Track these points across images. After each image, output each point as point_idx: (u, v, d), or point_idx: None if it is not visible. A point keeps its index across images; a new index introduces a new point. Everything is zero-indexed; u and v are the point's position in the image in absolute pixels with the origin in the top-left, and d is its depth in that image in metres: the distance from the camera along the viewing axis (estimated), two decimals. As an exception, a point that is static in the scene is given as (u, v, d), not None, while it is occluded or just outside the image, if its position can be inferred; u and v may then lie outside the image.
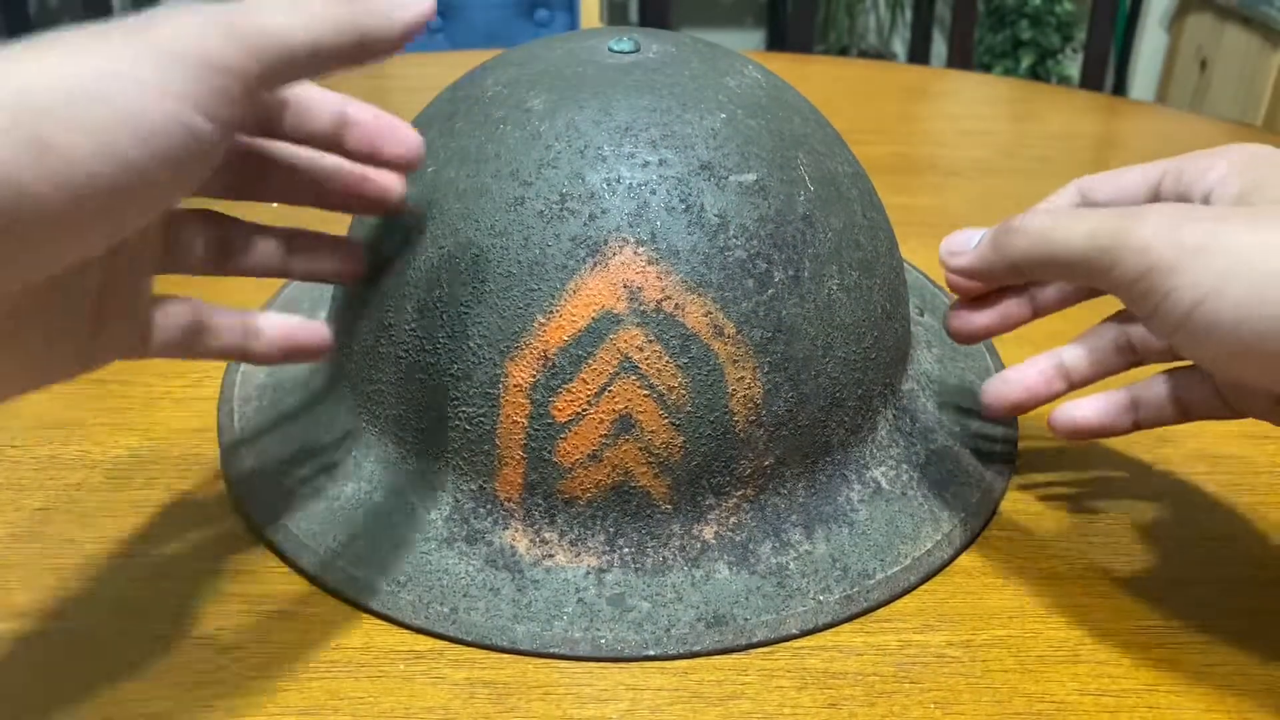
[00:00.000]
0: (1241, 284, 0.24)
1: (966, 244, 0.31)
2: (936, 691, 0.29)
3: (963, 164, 0.71)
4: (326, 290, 0.44)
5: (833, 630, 0.31)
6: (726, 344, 0.31)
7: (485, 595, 0.31)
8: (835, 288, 0.33)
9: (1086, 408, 0.32)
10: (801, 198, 0.33)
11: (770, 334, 0.31)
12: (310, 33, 0.22)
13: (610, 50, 0.36)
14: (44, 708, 0.28)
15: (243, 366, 0.41)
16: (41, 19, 2.23)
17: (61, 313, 0.23)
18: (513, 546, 0.32)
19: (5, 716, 0.27)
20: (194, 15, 0.20)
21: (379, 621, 0.31)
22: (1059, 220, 0.28)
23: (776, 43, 2.37)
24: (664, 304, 0.30)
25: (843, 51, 2.39)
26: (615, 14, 2.30)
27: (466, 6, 1.36)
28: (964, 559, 0.33)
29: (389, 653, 0.30)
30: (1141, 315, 0.26)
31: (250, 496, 0.34)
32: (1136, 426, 0.32)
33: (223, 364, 0.42)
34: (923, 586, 0.32)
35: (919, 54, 1.48)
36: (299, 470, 0.35)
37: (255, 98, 0.22)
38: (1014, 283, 0.32)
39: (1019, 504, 0.36)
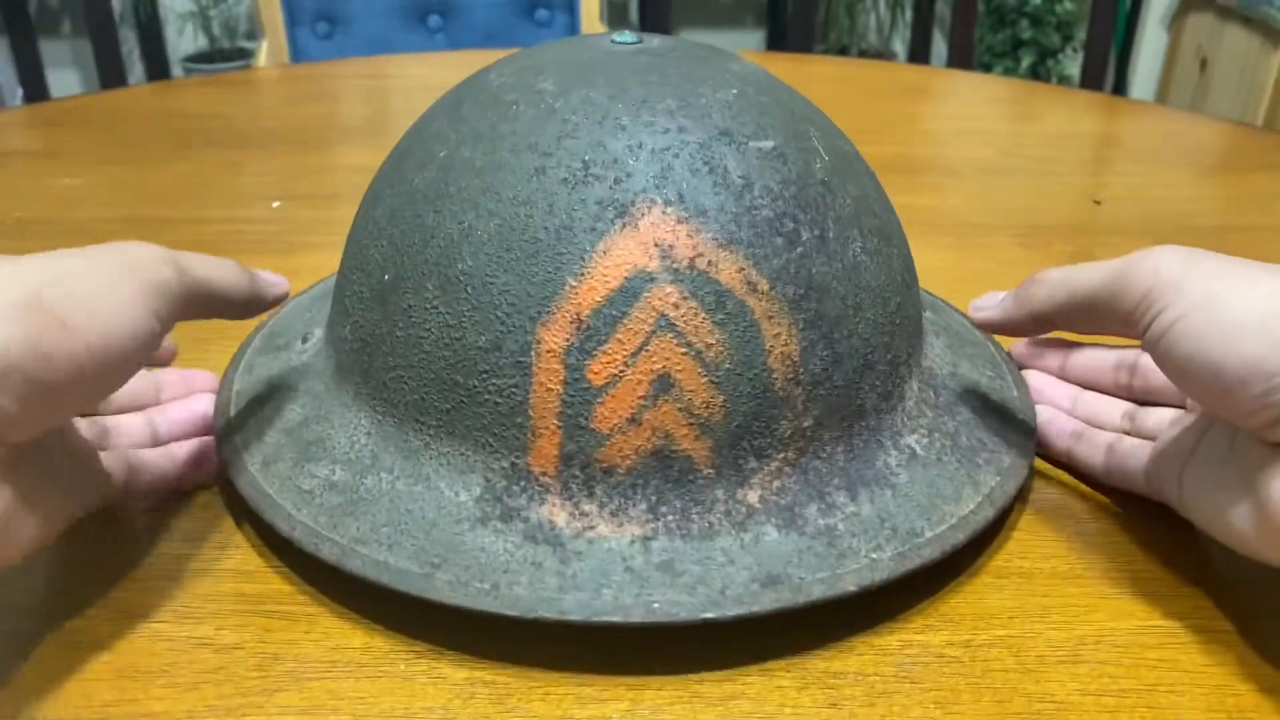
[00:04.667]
0: (1209, 315, 0.27)
1: (991, 301, 0.36)
2: (936, 691, 0.29)
3: (963, 164, 0.71)
4: (329, 294, 0.44)
5: (832, 630, 0.31)
6: (761, 300, 0.31)
7: (527, 569, 0.30)
8: (859, 250, 0.33)
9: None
10: (818, 165, 0.34)
11: (803, 291, 0.31)
12: (222, 284, 0.32)
13: (614, 43, 0.37)
14: (44, 708, 0.28)
15: (241, 366, 0.41)
16: (42, 19, 2.23)
17: (49, 464, 0.29)
18: (551, 521, 0.31)
19: (5, 716, 0.27)
20: (152, 251, 0.29)
21: (379, 622, 0.31)
22: (1077, 267, 0.32)
23: (776, 43, 2.37)
24: (697, 260, 0.30)
25: (843, 51, 2.39)
26: (615, 14, 2.30)
27: (466, 6, 1.36)
28: (964, 559, 0.33)
29: (389, 653, 0.30)
30: (1137, 332, 0.29)
31: (260, 499, 0.33)
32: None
33: (222, 366, 0.42)
34: (922, 587, 0.32)
35: (919, 54, 1.48)
36: (312, 469, 0.34)
37: (178, 317, 0.30)
38: (1036, 334, 0.36)
39: (1020, 505, 0.36)
